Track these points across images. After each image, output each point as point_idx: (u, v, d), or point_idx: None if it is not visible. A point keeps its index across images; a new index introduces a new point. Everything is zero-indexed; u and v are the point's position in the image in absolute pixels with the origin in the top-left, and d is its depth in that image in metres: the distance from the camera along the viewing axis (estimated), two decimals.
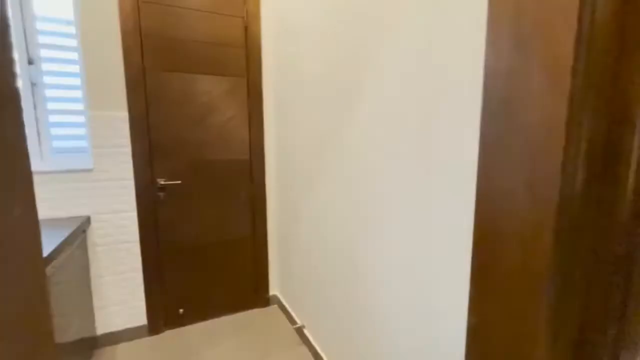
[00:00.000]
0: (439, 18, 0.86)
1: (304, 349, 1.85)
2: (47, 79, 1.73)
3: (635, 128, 0.51)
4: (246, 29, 2.07)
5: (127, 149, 1.84)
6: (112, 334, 1.92)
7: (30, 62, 1.69)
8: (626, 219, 0.54)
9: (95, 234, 1.82)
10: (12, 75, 0.39)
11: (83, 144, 1.84)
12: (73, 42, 1.76)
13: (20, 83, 1.58)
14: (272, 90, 2.20)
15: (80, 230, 1.61)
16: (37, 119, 1.72)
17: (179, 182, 2.00)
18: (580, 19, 0.46)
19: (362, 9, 1.17)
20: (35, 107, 1.71)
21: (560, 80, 0.48)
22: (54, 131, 1.78)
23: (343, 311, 1.45)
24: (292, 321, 2.08)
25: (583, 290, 0.54)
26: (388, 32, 1.05)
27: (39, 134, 1.74)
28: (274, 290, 2.40)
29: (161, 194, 1.97)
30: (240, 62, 2.09)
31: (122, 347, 1.90)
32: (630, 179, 0.53)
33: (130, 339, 1.96)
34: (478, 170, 0.62)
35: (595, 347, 0.56)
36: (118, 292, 1.91)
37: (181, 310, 2.11)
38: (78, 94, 1.80)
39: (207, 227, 2.13)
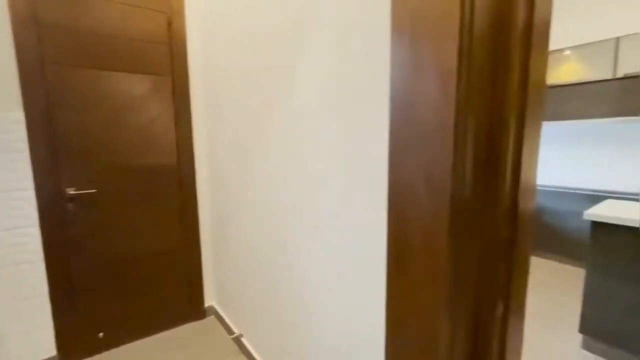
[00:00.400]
0: (352, 29, 0.90)
1: (242, 358, 1.79)
2: None
3: (510, 129, 0.60)
4: (169, 24, 1.94)
5: (24, 155, 1.58)
6: None
7: None
8: (507, 208, 0.62)
9: None
10: None
11: None
12: None
13: None
14: (201, 91, 2.09)
15: None
16: None
17: (94, 190, 1.79)
18: (461, 32, 0.52)
19: (286, 6, 1.18)
20: None
21: (448, 88, 0.53)
22: None
23: (278, 317, 1.44)
24: (229, 331, 1.99)
25: (476, 270, 0.61)
26: (309, 36, 1.07)
27: None
28: (210, 301, 2.28)
29: (71, 205, 1.73)
30: (164, 60, 1.95)
31: None
32: (508, 173, 0.61)
33: None
34: (389, 170, 0.67)
35: (487, 320, 0.63)
36: (16, 322, 1.63)
37: (101, 334, 1.88)
38: None
39: (130, 240, 1.93)
